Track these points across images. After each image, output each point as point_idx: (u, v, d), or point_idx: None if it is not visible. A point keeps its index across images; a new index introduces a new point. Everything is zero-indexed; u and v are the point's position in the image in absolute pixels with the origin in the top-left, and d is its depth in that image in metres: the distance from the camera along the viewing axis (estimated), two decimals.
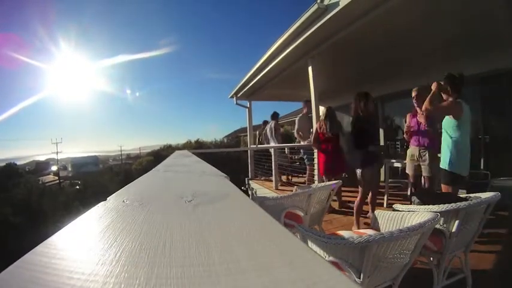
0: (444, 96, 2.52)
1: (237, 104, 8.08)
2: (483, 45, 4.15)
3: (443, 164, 2.51)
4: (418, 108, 3.22)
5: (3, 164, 30.44)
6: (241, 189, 0.54)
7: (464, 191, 2.71)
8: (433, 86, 2.51)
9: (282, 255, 0.26)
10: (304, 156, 5.27)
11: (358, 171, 2.91)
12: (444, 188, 2.53)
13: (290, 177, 6.71)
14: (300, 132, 5.16)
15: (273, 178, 5.85)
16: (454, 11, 3.21)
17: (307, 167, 5.21)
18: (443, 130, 2.54)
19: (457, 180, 2.45)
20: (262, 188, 6.09)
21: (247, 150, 8.09)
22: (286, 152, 6.48)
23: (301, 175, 6.25)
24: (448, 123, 2.47)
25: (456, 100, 2.42)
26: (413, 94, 3.27)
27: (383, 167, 3.70)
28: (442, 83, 2.50)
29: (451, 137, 2.45)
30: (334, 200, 3.94)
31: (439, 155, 2.72)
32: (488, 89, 4.49)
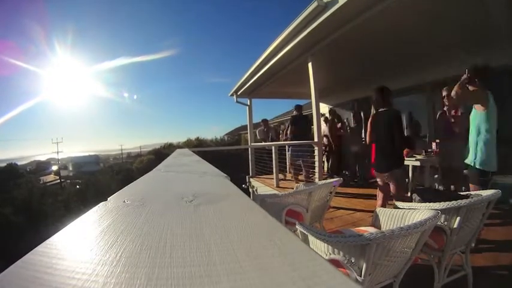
0: (470, 88, 2.42)
1: (237, 102, 8.09)
2: (483, 44, 4.13)
3: (471, 161, 2.37)
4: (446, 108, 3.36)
5: (4, 164, 30.55)
6: (242, 187, 0.54)
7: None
8: (465, 75, 2.39)
9: (282, 255, 0.26)
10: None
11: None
12: (472, 187, 2.36)
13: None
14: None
15: (274, 176, 5.86)
16: (456, 7, 3.19)
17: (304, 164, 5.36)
18: (471, 125, 2.43)
19: (486, 178, 2.32)
20: (263, 186, 6.10)
21: (248, 148, 8.10)
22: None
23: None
24: (476, 116, 2.37)
25: (484, 90, 2.33)
26: (444, 94, 3.30)
27: None
28: (468, 75, 2.38)
29: (480, 131, 2.33)
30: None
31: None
32: (491, 85, 4.47)
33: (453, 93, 2.42)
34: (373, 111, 2.99)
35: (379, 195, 2.88)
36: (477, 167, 2.33)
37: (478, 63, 2.39)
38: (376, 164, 2.82)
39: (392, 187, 2.70)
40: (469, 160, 2.41)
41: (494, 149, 2.33)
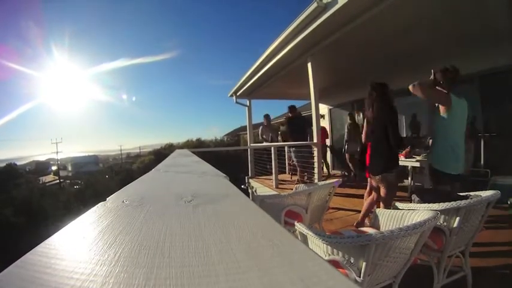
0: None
1: (236, 102, 8.09)
2: (483, 43, 4.14)
3: (430, 159, 2.49)
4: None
5: (3, 164, 30.53)
6: (241, 188, 0.55)
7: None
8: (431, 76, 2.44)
9: (281, 255, 0.26)
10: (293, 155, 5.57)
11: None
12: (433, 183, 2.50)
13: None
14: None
15: (273, 177, 5.86)
16: (454, 8, 3.20)
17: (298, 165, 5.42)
18: (434, 125, 2.49)
19: (440, 178, 2.36)
20: (262, 187, 6.10)
21: (247, 149, 8.10)
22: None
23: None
24: (437, 117, 2.41)
25: (448, 93, 2.36)
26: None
27: None
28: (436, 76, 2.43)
29: (438, 132, 2.40)
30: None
31: None
32: (488, 86, 4.49)
33: (410, 86, 2.41)
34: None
35: (368, 197, 2.85)
36: (433, 166, 2.41)
37: (448, 66, 2.41)
38: (369, 166, 2.76)
39: (382, 191, 2.64)
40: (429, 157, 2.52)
41: (455, 152, 2.31)
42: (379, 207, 2.70)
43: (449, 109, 2.28)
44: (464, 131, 2.39)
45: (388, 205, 2.60)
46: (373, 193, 2.83)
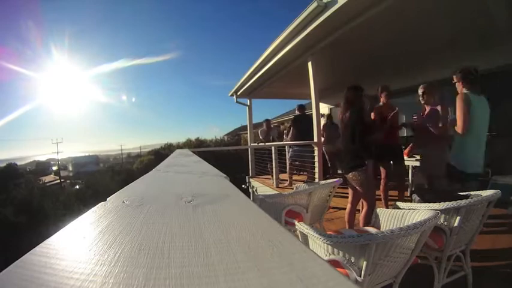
0: (458, 90, 2.44)
1: (237, 102, 8.09)
2: (482, 43, 4.14)
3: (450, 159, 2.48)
4: (425, 106, 3.16)
5: (4, 164, 30.56)
6: (241, 188, 0.54)
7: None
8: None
9: (281, 256, 0.26)
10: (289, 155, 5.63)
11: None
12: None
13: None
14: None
15: (273, 176, 5.86)
16: (456, 7, 3.20)
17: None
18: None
19: (458, 177, 2.36)
20: (262, 186, 6.10)
21: (247, 149, 8.10)
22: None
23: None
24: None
25: (462, 92, 2.34)
26: (420, 91, 3.17)
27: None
28: (454, 77, 2.43)
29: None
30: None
31: None
32: (490, 85, 4.47)
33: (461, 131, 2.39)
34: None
35: (349, 198, 2.77)
36: (455, 166, 2.40)
37: (467, 66, 2.41)
38: (341, 165, 2.72)
39: (359, 189, 2.56)
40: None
41: (477, 151, 2.33)
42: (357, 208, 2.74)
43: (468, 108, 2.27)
44: (487, 129, 2.37)
45: (371, 204, 2.46)
46: (349, 203, 2.76)
